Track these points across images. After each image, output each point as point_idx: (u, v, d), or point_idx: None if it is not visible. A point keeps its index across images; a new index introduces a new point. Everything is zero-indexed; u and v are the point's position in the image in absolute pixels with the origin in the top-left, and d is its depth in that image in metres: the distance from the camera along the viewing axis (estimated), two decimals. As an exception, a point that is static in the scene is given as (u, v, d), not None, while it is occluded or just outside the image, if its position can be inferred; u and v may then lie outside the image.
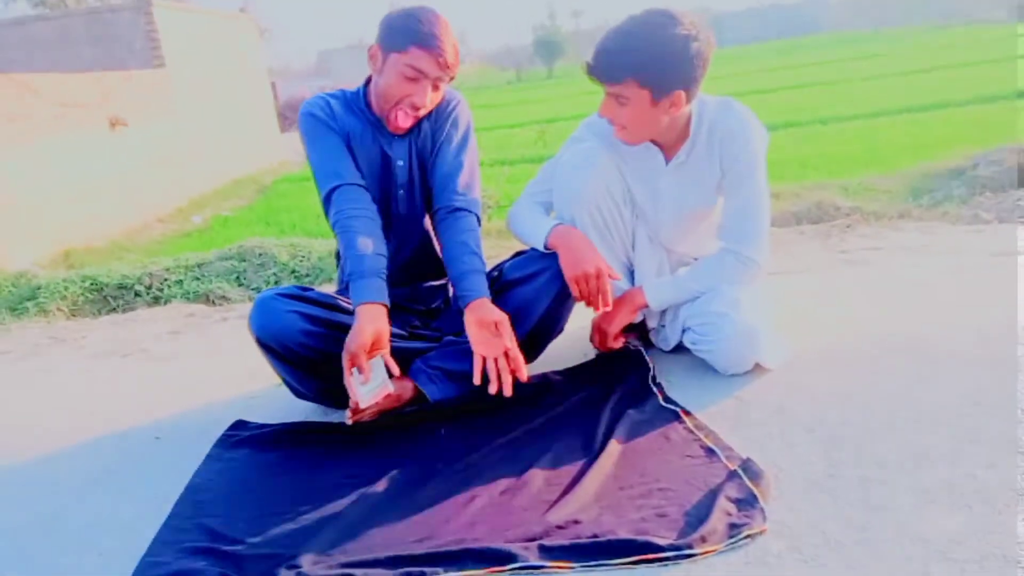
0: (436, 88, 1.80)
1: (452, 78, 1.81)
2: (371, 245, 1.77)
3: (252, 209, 8.14)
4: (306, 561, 1.28)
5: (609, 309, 1.86)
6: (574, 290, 1.82)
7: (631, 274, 2.05)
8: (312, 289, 1.87)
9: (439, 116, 1.93)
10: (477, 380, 1.71)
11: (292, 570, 1.26)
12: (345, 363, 1.66)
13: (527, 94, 22.75)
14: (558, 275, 1.84)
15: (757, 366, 1.86)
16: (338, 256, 2.08)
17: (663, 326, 2.07)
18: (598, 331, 2.04)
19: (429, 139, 1.93)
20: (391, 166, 1.91)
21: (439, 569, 1.23)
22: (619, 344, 2.03)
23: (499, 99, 21.21)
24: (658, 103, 1.72)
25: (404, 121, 1.82)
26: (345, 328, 1.77)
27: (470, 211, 1.88)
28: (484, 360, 1.70)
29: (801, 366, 1.87)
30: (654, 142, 1.90)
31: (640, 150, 1.91)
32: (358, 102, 1.90)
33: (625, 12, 1.78)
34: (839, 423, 1.58)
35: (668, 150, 1.90)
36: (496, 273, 1.97)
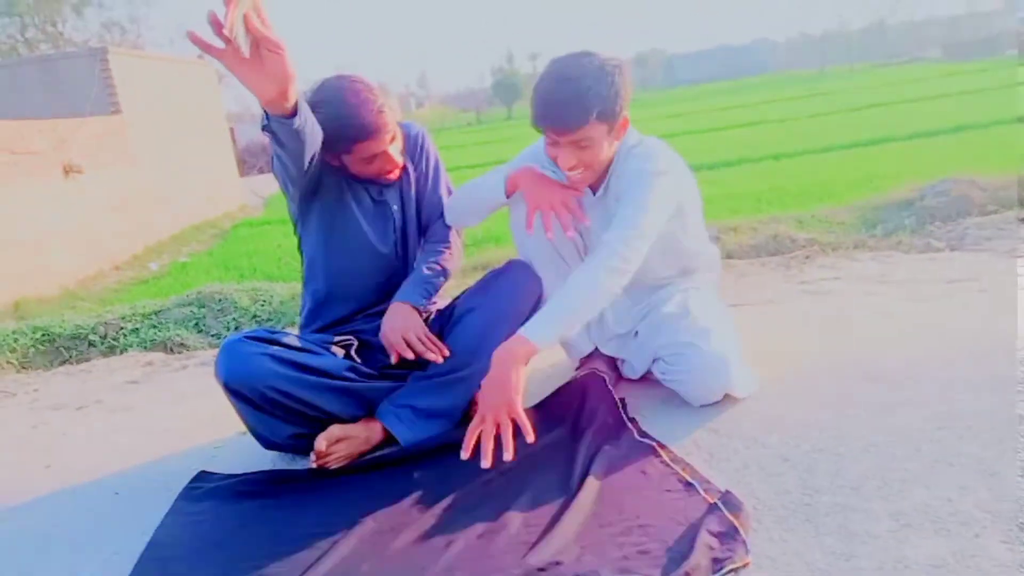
0: (393, 141, 1.84)
1: (396, 124, 1.87)
2: None
3: (211, 254, 8.00)
4: (278, 616, 1.22)
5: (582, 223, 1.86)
6: (531, 209, 1.84)
7: None
8: (281, 332, 1.83)
9: (414, 155, 2.01)
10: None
11: (263, 627, 1.20)
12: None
13: (487, 135, 23.01)
14: (513, 298, 1.86)
15: (727, 396, 1.87)
16: (302, 300, 2.06)
17: (625, 361, 2.07)
18: (487, 416, 1.59)
19: (413, 183, 2.00)
20: (387, 212, 1.96)
21: (418, 618, 1.19)
22: (518, 411, 1.60)
23: (460, 140, 21.41)
24: (611, 132, 1.76)
25: (393, 177, 1.92)
26: (315, 371, 1.76)
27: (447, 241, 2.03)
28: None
29: (772, 396, 1.88)
30: None
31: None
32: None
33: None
34: (813, 451, 1.59)
35: (595, 184, 1.93)
36: (453, 306, 1.97)
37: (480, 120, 37.85)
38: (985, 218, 3.71)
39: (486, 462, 1.53)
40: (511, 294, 1.86)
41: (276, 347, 1.73)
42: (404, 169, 1.97)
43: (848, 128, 10.65)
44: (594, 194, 1.94)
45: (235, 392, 1.72)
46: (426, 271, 1.94)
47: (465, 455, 1.56)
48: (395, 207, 1.97)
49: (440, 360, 1.83)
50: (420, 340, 1.83)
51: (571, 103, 1.69)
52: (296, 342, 1.81)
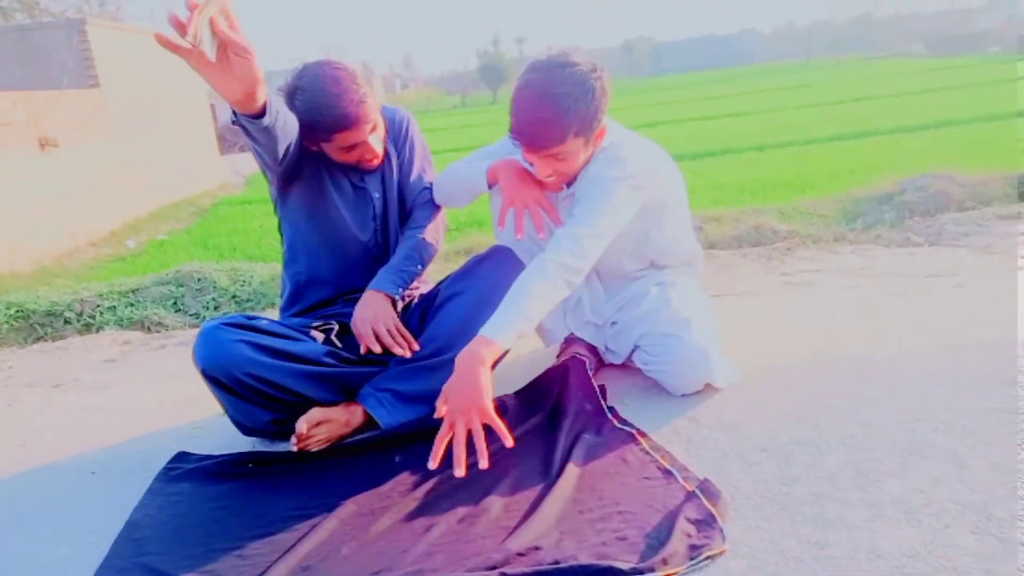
0: (374, 131, 1.82)
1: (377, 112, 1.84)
2: None
3: (190, 233, 7.90)
4: (257, 598, 1.22)
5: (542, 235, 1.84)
6: (506, 204, 1.83)
7: None
8: (258, 317, 1.82)
9: (397, 141, 1.99)
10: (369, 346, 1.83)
11: (242, 608, 1.20)
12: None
13: (472, 118, 22.87)
14: (497, 284, 1.83)
15: (707, 386, 1.89)
16: (282, 282, 2.04)
17: (608, 349, 2.08)
18: (458, 418, 1.51)
19: (395, 170, 1.98)
20: (367, 198, 1.94)
21: (397, 601, 1.20)
22: (490, 414, 1.53)
23: (445, 123, 21.27)
24: (588, 143, 1.75)
25: (373, 165, 1.89)
26: (293, 357, 1.75)
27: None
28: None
29: (752, 386, 1.90)
30: None
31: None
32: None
33: (566, 39, 1.78)
34: (790, 441, 1.61)
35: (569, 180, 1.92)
36: (435, 292, 1.97)
37: (465, 103, 37.65)
38: (963, 214, 3.76)
39: (459, 471, 1.44)
40: (494, 279, 1.86)
41: (253, 333, 1.73)
42: (386, 155, 1.95)
43: (832, 121, 10.72)
44: (568, 188, 1.94)
45: (213, 379, 1.71)
46: (403, 260, 1.92)
47: (433, 465, 1.46)
48: (376, 194, 1.95)
49: (408, 355, 1.82)
50: (390, 332, 1.82)
51: (549, 123, 1.65)
52: (274, 328, 1.80)
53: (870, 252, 3.22)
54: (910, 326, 2.21)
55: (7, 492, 1.78)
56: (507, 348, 1.62)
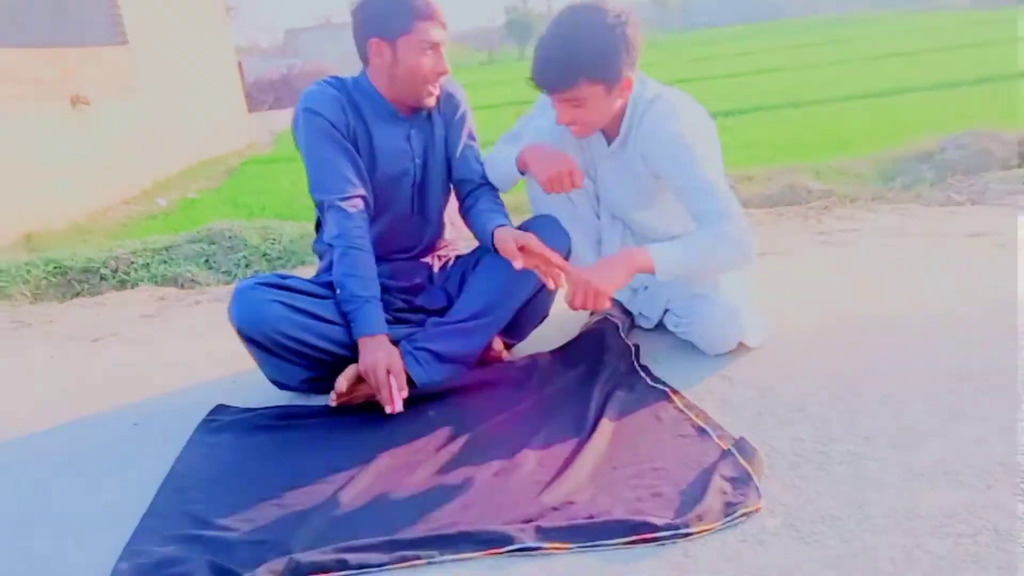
0: (444, 47, 1.80)
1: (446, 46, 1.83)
2: (373, 269, 1.79)
3: (220, 191, 7.94)
4: (297, 547, 1.25)
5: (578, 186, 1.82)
6: (547, 188, 1.79)
7: (599, 244, 2.06)
8: (291, 276, 1.84)
9: (448, 115, 1.93)
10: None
11: (284, 556, 1.22)
12: (376, 383, 1.71)
13: (500, 75, 22.58)
14: None
15: (741, 345, 1.87)
16: (315, 247, 2.03)
17: (640, 314, 2.07)
18: (584, 290, 1.66)
19: (443, 141, 1.93)
20: (406, 160, 1.90)
21: (435, 552, 1.22)
22: (608, 305, 1.74)
23: (472, 79, 21.00)
24: (611, 92, 1.73)
25: (434, 97, 1.84)
26: (327, 318, 1.75)
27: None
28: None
29: (787, 345, 1.88)
30: None
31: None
32: (370, 93, 1.84)
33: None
34: (827, 401, 1.60)
35: (609, 132, 1.90)
36: (476, 255, 1.95)
37: (492, 59, 37.18)
38: (1007, 172, 3.64)
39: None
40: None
41: (288, 293, 1.74)
42: (432, 122, 1.90)
43: (869, 77, 10.39)
44: (608, 145, 1.90)
45: (249, 338, 1.74)
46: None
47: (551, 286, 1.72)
48: (418, 160, 1.90)
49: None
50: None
51: (560, 63, 1.68)
52: (308, 287, 1.81)
53: (910, 211, 3.14)
54: (951, 286, 2.17)
55: (53, 440, 1.83)
56: (659, 274, 1.69)
